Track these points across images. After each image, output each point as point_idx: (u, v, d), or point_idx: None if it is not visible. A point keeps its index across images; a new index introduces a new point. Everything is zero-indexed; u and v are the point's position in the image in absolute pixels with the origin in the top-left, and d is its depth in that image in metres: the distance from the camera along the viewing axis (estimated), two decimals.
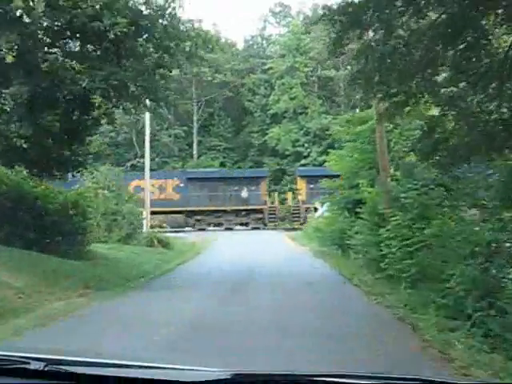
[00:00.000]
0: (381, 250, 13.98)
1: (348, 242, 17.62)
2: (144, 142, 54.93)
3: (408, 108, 12.83)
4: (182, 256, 20.34)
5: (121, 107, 12.88)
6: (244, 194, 40.46)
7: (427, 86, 12.51)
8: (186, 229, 39.03)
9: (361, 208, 16.77)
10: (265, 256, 20.83)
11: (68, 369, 2.07)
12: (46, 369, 2.05)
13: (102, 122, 13.35)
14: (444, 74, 12.76)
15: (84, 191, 15.31)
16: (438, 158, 12.53)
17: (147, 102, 12.52)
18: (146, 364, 2.19)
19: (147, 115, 34.12)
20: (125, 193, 21.27)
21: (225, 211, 40.12)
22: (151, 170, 51.08)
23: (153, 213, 37.75)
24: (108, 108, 12.38)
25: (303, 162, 50.71)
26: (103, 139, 53.08)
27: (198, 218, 40.01)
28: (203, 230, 38.97)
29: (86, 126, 12.54)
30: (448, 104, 12.59)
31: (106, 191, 20.61)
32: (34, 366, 2.06)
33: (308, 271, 15.71)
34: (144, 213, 32.52)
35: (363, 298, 10.40)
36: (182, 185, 41.00)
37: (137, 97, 11.50)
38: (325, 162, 48.36)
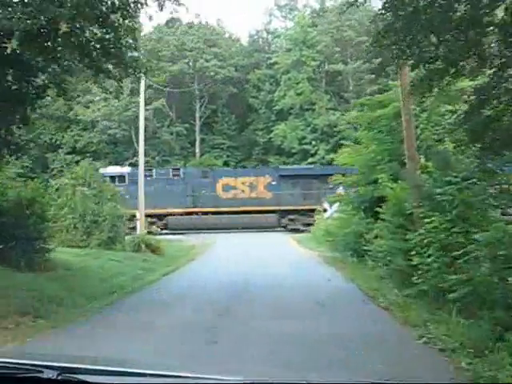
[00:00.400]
0: (409, 260, 11.17)
1: (365, 247, 14.72)
2: (145, 140, 52.37)
3: (448, 78, 9.97)
4: (172, 263, 17.49)
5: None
6: (340, 191, 36.72)
7: (472, 50, 9.65)
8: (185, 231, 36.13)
9: (381, 207, 13.96)
10: (266, 262, 18.02)
11: (82, 378, 2.05)
12: (59, 378, 2.04)
13: (49, 92, 10.38)
14: (492, 37, 9.93)
15: (39, 187, 12.40)
16: (488, 141, 9.66)
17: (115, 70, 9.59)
18: (160, 372, 2.16)
19: (142, 104, 31.34)
20: (107, 190, 18.40)
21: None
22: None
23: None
24: (56, 73, 9.44)
25: (310, 160, 47.74)
26: (101, 136, 50.84)
27: (292, 217, 36.55)
28: (297, 230, 35.19)
29: (28, 97, 9.61)
30: (498, 73, 9.76)
31: (85, 188, 17.78)
32: (47, 374, 2.04)
33: (317, 284, 12.82)
34: (138, 214, 29.76)
35: (400, 331, 7.48)
36: (274, 182, 37.31)
37: (88, 52, 8.57)
38: (333, 160, 45.88)
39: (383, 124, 15.59)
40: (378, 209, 14.05)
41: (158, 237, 30.65)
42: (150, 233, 30.21)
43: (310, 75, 49.44)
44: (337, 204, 31.58)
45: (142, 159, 30.75)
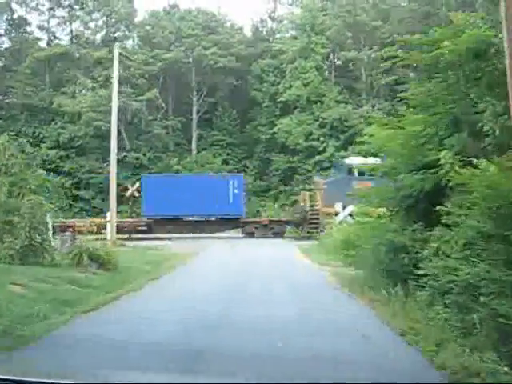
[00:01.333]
0: None
1: (415, 270, 8.87)
2: (136, 135, 46.62)
3: None
4: (120, 285, 11.58)
5: None
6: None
7: None
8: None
9: (442, 205, 8.30)
10: (261, 284, 12.26)
11: None
12: None
13: None
14: None
15: None
16: None
17: None
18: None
19: (115, 75, 25.62)
20: (32, 178, 12.62)
21: None
22: (140, 167, 42.68)
23: None
24: None
25: (318, 158, 41.90)
26: (86, 129, 45.11)
27: None
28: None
29: None
30: None
31: None
32: None
33: (341, 341, 6.95)
34: (108, 216, 24.08)
35: None
36: None
37: None
38: (343, 158, 39.95)
39: (442, 77, 9.74)
40: (439, 207, 8.33)
41: (136, 243, 25.10)
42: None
43: (319, 64, 43.61)
44: (351, 206, 25.91)
45: (114, 139, 24.85)
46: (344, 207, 25.78)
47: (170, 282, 13.19)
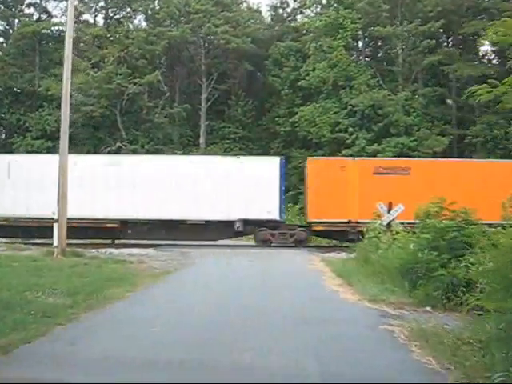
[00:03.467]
0: None
1: None
2: (133, 123, 39.33)
3: None
4: None
5: None
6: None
7: None
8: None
9: None
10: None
11: None
12: None
13: None
14: None
15: None
16: None
17: None
18: None
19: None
20: None
21: None
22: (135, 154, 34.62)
23: None
24: None
25: (346, 152, 34.07)
26: (73, 115, 37.92)
27: None
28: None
29: None
30: None
31: None
32: None
33: None
34: (55, 209, 16.80)
35: None
36: None
37: None
38: (378, 153, 32.23)
39: None
40: None
41: (116, 250, 17.95)
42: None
43: (348, 42, 36.01)
44: (400, 206, 18.35)
45: (64, 140, 17.68)
46: (389, 207, 18.07)
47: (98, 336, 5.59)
